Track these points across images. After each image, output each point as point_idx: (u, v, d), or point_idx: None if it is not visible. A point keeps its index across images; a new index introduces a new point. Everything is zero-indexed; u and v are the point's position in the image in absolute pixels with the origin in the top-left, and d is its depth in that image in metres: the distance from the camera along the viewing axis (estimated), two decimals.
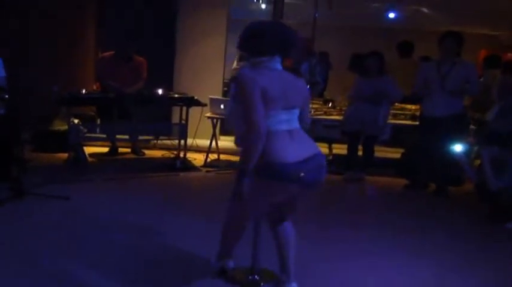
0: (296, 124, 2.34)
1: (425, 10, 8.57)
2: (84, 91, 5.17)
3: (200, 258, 2.90)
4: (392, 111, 6.13)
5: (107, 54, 5.84)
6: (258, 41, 2.29)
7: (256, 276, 2.61)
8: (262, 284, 2.60)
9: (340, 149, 5.96)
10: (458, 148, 4.46)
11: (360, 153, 5.54)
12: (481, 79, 5.69)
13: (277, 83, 2.23)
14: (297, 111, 2.34)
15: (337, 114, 5.94)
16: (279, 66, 2.32)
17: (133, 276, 2.68)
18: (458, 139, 4.57)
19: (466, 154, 4.56)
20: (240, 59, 9.71)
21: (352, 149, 5.50)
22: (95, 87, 6.09)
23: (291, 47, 2.35)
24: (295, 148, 2.23)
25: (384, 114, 5.30)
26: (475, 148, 4.93)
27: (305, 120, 2.47)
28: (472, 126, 5.37)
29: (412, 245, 3.45)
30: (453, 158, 4.58)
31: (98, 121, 6.21)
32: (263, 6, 8.37)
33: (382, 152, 6.10)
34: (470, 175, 4.59)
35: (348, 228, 3.71)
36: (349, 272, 2.91)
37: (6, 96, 4.02)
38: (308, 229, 3.24)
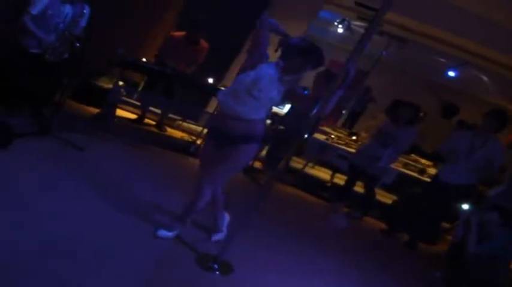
0: None
1: (484, 78, 8.55)
2: (143, 60, 5.41)
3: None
4: (404, 161, 6.27)
5: (177, 34, 6.02)
6: None
7: None
8: None
9: (340, 179, 6.18)
10: (466, 207, 4.66)
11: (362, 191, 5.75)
12: None
13: None
14: None
15: (354, 148, 6.15)
16: None
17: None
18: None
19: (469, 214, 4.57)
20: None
21: (349, 182, 5.73)
22: (152, 59, 6.28)
23: None
24: None
25: (388, 156, 5.39)
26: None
27: None
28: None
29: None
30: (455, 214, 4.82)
31: (139, 89, 6.64)
32: (340, 30, 8.33)
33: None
34: (457, 233, 4.62)
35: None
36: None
37: (77, 44, 4.26)
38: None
